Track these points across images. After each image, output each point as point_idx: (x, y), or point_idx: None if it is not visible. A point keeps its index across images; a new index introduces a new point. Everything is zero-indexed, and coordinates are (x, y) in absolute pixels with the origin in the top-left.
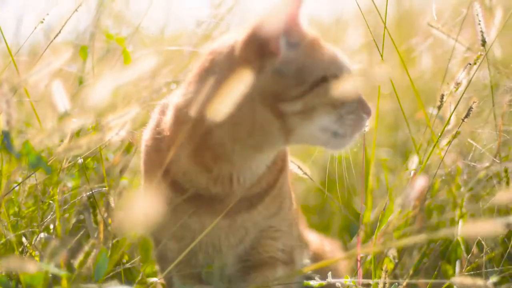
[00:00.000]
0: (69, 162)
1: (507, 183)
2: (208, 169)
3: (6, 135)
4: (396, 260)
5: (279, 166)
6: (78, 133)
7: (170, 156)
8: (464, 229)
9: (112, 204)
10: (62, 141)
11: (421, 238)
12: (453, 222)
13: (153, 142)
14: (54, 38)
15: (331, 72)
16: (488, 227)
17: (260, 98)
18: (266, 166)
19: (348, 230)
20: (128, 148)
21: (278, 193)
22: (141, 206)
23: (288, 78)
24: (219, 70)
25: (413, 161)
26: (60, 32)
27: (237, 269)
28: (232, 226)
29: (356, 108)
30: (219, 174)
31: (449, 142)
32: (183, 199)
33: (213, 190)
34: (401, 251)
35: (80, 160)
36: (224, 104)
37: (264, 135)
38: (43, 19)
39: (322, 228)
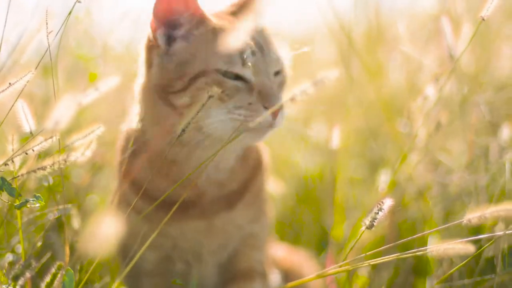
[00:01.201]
0: (36, 183)
1: (477, 197)
2: (168, 175)
3: None
4: (369, 276)
5: (251, 163)
6: (42, 155)
7: (137, 168)
8: (435, 249)
9: (78, 225)
10: (25, 162)
11: (392, 257)
12: (423, 239)
13: (125, 154)
14: (19, 58)
15: (215, 66)
16: (459, 247)
17: (155, 92)
18: (233, 159)
19: (321, 243)
20: (96, 167)
21: (258, 195)
22: (107, 225)
23: (170, 71)
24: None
25: (383, 176)
26: (24, 52)
27: (215, 281)
28: (211, 229)
29: (249, 102)
30: (179, 178)
31: (420, 160)
32: (158, 207)
33: (183, 194)
34: (373, 268)
35: (47, 181)
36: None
37: (173, 128)
38: None
39: (294, 240)
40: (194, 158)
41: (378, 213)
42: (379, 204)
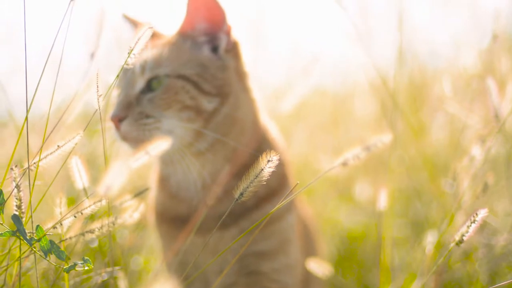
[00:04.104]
0: (83, 245)
1: None
2: (165, 190)
3: (17, 219)
4: None
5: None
6: (92, 216)
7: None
8: None
9: (125, 287)
10: (73, 224)
11: None
12: None
13: None
14: (66, 119)
15: None
16: None
17: None
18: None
19: None
20: (141, 227)
21: (268, 228)
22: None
23: None
24: None
25: (430, 236)
26: (71, 113)
27: None
28: (207, 247)
29: None
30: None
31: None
32: (172, 226)
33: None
34: None
35: (94, 243)
36: None
37: None
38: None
39: None
40: (172, 173)
41: (470, 225)
42: (473, 216)
